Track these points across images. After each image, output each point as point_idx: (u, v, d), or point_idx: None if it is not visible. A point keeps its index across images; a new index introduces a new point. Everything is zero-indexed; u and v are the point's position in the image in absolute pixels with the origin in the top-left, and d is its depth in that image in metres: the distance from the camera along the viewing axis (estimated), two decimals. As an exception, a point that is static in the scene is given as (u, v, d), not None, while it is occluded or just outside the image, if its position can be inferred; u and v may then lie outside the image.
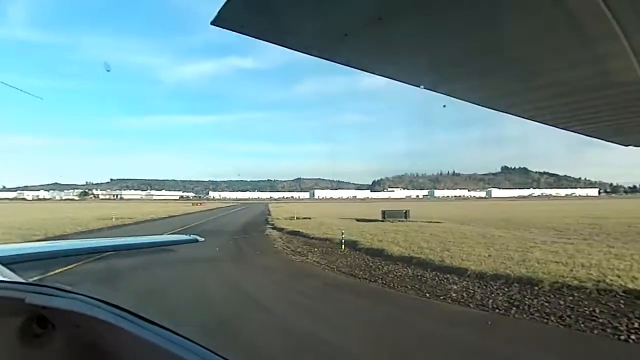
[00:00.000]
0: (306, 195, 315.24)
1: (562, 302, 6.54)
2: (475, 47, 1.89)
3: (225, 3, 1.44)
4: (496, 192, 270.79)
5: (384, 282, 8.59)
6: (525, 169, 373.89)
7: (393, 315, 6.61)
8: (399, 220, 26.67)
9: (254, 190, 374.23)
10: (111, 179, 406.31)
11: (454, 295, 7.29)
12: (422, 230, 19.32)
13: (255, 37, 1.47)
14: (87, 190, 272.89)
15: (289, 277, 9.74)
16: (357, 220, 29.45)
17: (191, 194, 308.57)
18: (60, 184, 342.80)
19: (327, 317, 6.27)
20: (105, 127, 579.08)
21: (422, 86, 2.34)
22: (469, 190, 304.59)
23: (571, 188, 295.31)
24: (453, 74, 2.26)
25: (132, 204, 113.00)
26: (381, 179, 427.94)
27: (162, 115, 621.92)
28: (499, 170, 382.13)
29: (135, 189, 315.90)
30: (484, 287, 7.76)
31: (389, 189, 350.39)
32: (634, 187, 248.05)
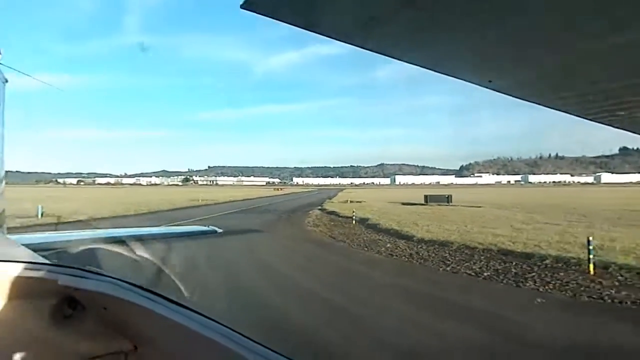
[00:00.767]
0: (387, 181, 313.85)
1: (444, 254, 9.59)
2: (524, 32, 1.51)
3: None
4: (608, 177, 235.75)
5: (350, 242, 12.22)
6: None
7: (325, 254, 10.50)
8: (440, 204, 28.78)
9: (337, 177, 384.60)
10: (208, 167, 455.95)
11: (383, 249, 10.69)
12: (444, 213, 21.70)
13: (285, 22, 1.37)
14: (188, 177, 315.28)
15: (291, 237, 13.89)
16: (403, 204, 32.13)
17: (277, 180, 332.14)
18: (168, 171, 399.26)
19: (289, 249, 10.39)
20: (204, 120, 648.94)
21: (457, 76, 1.83)
22: (572, 175, 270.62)
23: None
24: (494, 65, 1.93)
25: (223, 188, 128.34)
26: (470, 164, 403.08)
27: (252, 106, 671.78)
28: (615, 151, 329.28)
29: (229, 176, 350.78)
30: (414, 247, 10.90)
31: (477, 174, 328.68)
32: None
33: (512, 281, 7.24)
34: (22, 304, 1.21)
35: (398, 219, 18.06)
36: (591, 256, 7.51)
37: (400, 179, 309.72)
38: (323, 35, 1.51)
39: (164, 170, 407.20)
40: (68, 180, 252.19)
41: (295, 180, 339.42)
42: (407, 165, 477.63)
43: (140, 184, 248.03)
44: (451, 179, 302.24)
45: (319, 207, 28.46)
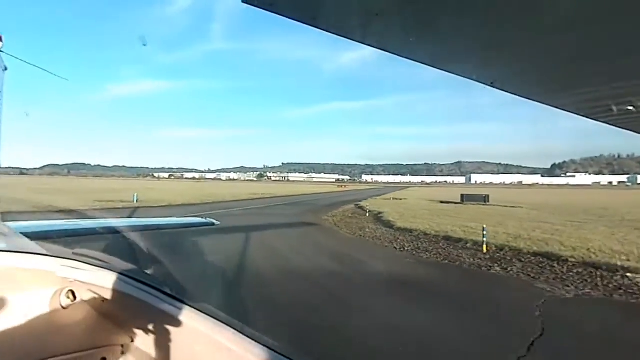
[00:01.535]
0: (463, 180, 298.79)
1: (401, 237, 12.55)
2: (527, 31, 1.51)
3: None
4: None
5: (343, 227, 15.57)
6: None
7: (313, 232, 13.96)
8: (477, 204, 29.90)
9: (409, 174, 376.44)
10: (282, 163, 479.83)
11: (360, 232, 13.94)
12: (466, 211, 23.30)
13: (285, 16, 1.36)
14: (262, 173, 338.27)
15: (302, 222, 17.59)
16: (441, 202, 33.72)
17: (347, 177, 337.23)
18: (245, 168, 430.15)
19: (294, 228, 14.17)
20: (278, 118, 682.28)
21: (460, 74, 2.01)
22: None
23: None
24: (500, 61, 1.87)
25: (291, 184, 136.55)
26: (564, 162, 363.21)
27: (325, 103, 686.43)
28: None
29: (300, 172, 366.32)
30: (386, 232, 13.89)
31: (570, 174, 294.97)
32: None
33: (416, 252, 10.15)
34: (20, 294, 1.20)
35: (409, 213, 20.67)
36: (485, 240, 10.08)
37: (476, 178, 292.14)
38: (323, 30, 1.44)
39: (242, 167, 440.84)
40: (162, 175, 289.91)
41: (364, 177, 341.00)
42: (488, 163, 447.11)
43: (220, 179, 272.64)
44: (537, 179, 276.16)
45: (356, 203, 31.61)
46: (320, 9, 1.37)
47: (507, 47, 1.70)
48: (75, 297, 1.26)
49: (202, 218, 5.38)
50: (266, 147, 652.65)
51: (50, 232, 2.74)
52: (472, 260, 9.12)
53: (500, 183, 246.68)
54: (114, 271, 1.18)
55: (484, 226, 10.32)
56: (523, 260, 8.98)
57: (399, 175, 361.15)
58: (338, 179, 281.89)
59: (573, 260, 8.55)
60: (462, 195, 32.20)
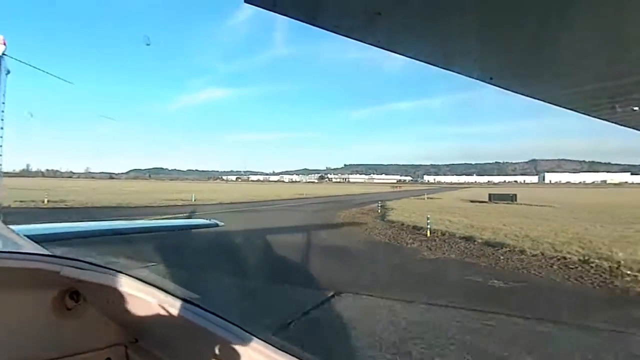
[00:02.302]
0: (535, 179, 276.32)
1: (388, 229, 15.55)
2: (526, 29, 1.54)
3: (257, -20, 1.44)
4: None
5: (344, 220, 18.84)
6: None
7: (324, 230, 17.49)
8: (500, 202, 30.78)
9: (475, 174, 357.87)
10: (345, 165, 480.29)
11: (372, 229, 17.15)
12: (482, 209, 24.85)
13: (286, 16, 1.40)
14: (323, 175, 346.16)
15: (316, 217, 21.12)
16: (471, 201, 34.84)
17: (408, 178, 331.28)
18: (308, 170, 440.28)
19: (309, 218, 17.91)
20: (340, 120, 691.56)
21: (461, 73, 2.00)
22: None
23: None
24: (498, 59, 1.89)
25: (348, 186, 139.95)
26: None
27: (386, 104, 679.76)
28: None
29: (362, 173, 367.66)
30: (381, 224, 16.87)
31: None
32: None
33: (375, 235, 13.19)
34: (24, 295, 1.21)
35: (416, 210, 23.06)
36: (428, 226, 12.86)
37: (551, 177, 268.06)
38: (325, 29, 1.44)
39: (304, 169, 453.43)
40: (230, 177, 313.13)
41: (426, 178, 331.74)
42: (568, 160, 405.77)
43: (282, 181, 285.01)
44: (626, 177, 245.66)
45: (386, 201, 34.12)
46: (322, 9, 1.38)
47: (506, 44, 1.69)
48: (79, 298, 1.27)
49: (206, 220, 5.46)
50: (328, 149, 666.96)
51: (55, 234, 2.75)
52: (410, 240, 11.97)
53: (580, 182, 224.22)
54: (118, 271, 1.19)
55: (428, 216, 13.07)
56: (447, 240, 11.65)
57: (465, 176, 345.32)
58: (398, 180, 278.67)
59: (480, 241, 11.05)
60: (489, 195, 33.13)
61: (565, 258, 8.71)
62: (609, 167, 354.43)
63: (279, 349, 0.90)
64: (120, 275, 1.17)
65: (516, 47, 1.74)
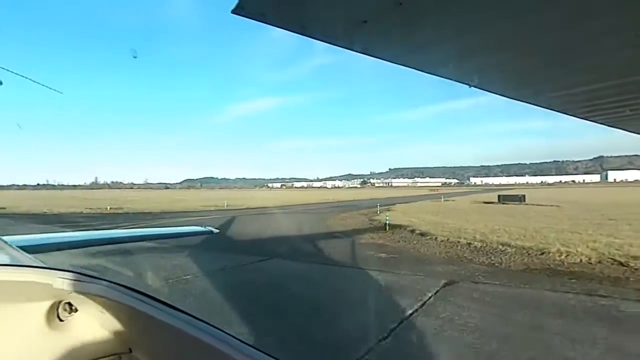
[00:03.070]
0: (598, 178, 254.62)
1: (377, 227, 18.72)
2: (504, 34, 1.65)
3: (246, -8, 1.48)
4: None
5: (339, 221, 22.13)
6: None
7: (321, 230, 20.99)
8: (509, 203, 31.90)
9: (528, 174, 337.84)
10: (389, 169, 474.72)
11: (348, 221, 20.42)
12: (479, 209, 26.73)
13: (275, 26, 1.44)
14: (365, 180, 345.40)
15: (318, 218, 24.54)
16: (485, 202, 36.11)
17: (454, 181, 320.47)
18: (352, 175, 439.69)
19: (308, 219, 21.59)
20: (384, 123, 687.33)
21: (444, 77, 2.14)
22: None
23: None
24: (480, 64, 2.00)
25: (387, 190, 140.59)
26: None
27: (433, 104, 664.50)
28: None
29: (407, 177, 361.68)
30: (368, 221, 20.02)
31: None
32: None
33: (354, 231, 16.42)
34: (17, 307, 1.20)
35: (420, 212, 25.32)
36: (387, 222, 15.89)
37: (616, 175, 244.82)
38: (312, 38, 1.49)
39: (349, 174, 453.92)
40: (275, 185, 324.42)
41: (473, 180, 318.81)
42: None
43: (325, 187, 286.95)
44: None
45: (388, 205, 36.14)
46: (309, 19, 1.42)
47: (486, 49, 1.78)
48: (72, 309, 1.25)
49: (202, 227, 5.50)
50: (373, 153, 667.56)
51: (48, 244, 2.77)
52: (377, 235, 14.94)
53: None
54: (111, 282, 1.18)
55: (386, 215, 16.09)
56: (395, 232, 14.59)
57: (517, 177, 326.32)
58: (443, 183, 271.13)
59: (418, 232, 13.91)
60: (498, 196, 34.41)
61: (459, 242, 11.50)
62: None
63: (274, 359, 0.92)
64: (114, 285, 1.17)
65: (498, 51, 1.83)
